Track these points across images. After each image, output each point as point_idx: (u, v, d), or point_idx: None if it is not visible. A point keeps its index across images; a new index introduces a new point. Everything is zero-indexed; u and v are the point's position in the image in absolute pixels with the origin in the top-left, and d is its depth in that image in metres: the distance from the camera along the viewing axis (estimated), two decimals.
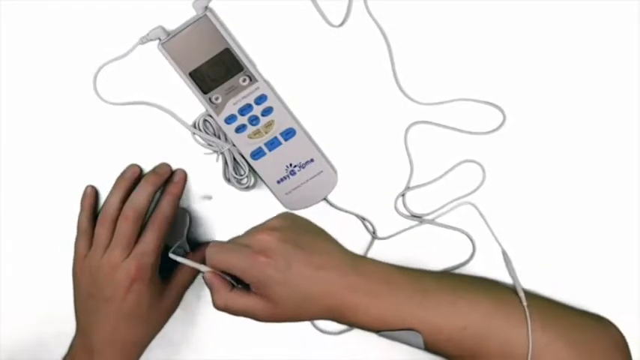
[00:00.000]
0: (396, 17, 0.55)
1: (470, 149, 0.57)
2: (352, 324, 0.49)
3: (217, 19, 0.51)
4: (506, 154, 0.57)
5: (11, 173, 0.60)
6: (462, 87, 0.56)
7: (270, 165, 0.55)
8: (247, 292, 0.47)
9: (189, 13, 0.52)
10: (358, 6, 0.55)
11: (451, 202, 0.57)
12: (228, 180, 0.57)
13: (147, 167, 0.58)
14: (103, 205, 0.55)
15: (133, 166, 0.57)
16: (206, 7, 0.50)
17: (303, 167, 0.55)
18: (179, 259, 0.51)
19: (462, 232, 0.57)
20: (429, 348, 0.49)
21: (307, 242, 0.48)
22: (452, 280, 0.54)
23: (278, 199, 0.57)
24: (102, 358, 0.53)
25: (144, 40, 0.53)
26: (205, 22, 0.50)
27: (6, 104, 0.58)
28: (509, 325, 0.49)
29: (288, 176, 0.56)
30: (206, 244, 0.54)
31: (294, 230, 0.48)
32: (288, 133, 0.54)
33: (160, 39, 0.52)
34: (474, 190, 0.57)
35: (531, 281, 0.56)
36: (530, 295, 0.53)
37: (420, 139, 0.57)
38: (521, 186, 0.57)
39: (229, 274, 0.48)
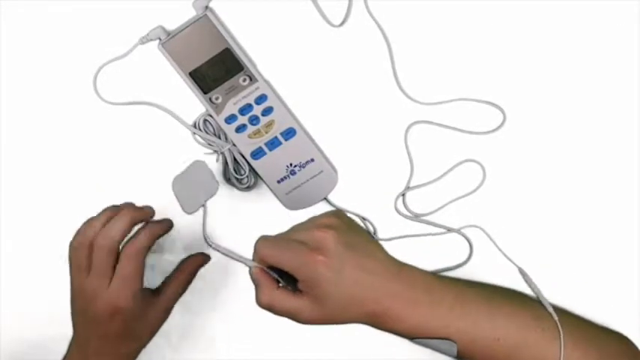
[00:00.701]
0: (396, 17, 0.55)
1: (470, 149, 0.57)
2: (388, 330, 0.49)
3: (217, 18, 0.51)
4: (506, 154, 0.57)
5: (11, 173, 0.60)
6: (462, 87, 0.56)
7: (271, 165, 0.55)
8: (293, 292, 0.47)
9: (189, 12, 0.52)
10: (358, 6, 0.55)
11: (452, 202, 0.57)
12: (228, 180, 0.57)
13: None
14: (84, 225, 0.52)
15: (128, 205, 0.54)
16: (206, 7, 0.50)
17: (304, 167, 0.55)
18: (222, 249, 0.51)
19: (460, 233, 0.57)
20: (460, 356, 0.50)
21: (359, 245, 0.48)
22: (488, 290, 0.54)
23: (278, 198, 0.57)
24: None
25: (144, 40, 0.53)
26: (205, 22, 0.50)
27: (6, 104, 0.58)
28: (544, 341, 0.49)
29: (288, 176, 0.56)
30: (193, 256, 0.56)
31: (347, 231, 0.48)
32: (289, 133, 0.54)
33: (160, 39, 0.52)
34: (474, 190, 0.57)
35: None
36: (557, 309, 0.53)
37: (421, 139, 0.57)
38: (521, 186, 0.57)
39: (274, 270, 0.47)
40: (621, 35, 0.54)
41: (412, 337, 0.49)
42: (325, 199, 0.58)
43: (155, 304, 0.54)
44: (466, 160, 0.57)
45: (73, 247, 0.52)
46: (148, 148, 0.58)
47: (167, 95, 0.57)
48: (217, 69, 0.52)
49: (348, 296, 0.47)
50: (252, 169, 0.56)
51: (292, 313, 0.47)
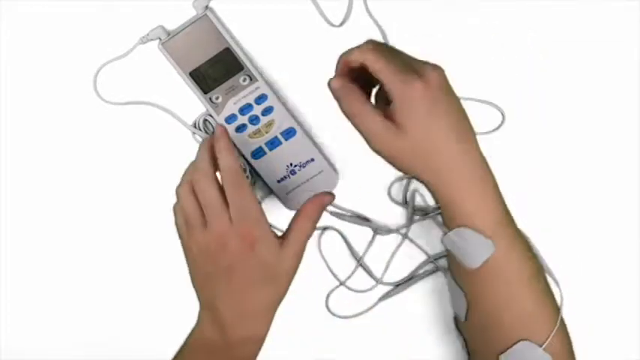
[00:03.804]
0: (396, 17, 0.56)
1: None
2: (440, 199, 0.47)
3: (217, 18, 0.51)
4: (505, 154, 0.57)
5: (10, 173, 0.60)
6: (462, 87, 0.56)
7: (271, 164, 0.55)
8: (380, 111, 0.45)
9: (189, 12, 0.52)
10: (358, 6, 0.55)
11: None
12: None
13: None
14: (177, 189, 0.50)
15: (202, 142, 0.51)
16: (206, 7, 0.50)
17: (304, 167, 0.55)
18: None
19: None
20: (475, 274, 0.48)
21: (459, 109, 0.47)
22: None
23: (278, 198, 0.57)
24: (235, 332, 0.49)
25: (144, 40, 0.53)
26: (205, 22, 0.50)
27: (5, 103, 0.58)
28: (549, 296, 0.48)
29: (288, 176, 0.56)
30: None
31: (451, 86, 0.47)
32: (289, 133, 0.54)
33: (160, 39, 0.52)
34: None
35: None
36: None
37: None
38: (520, 186, 0.57)
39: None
40: (621, 35, 0.55)
41: (459, 224, 0.47)
42: None
43: (286, 247, 0.50)
44: None
45: (179, 209, 0.49)
46: (148, 148, 0.58)
47: (167, 95, 0.57)
48: (217, 69, 0.52)
49: (436, 142, 0.45)
50: (252, 169, 0.56)
51: (372, 134, 0.45)
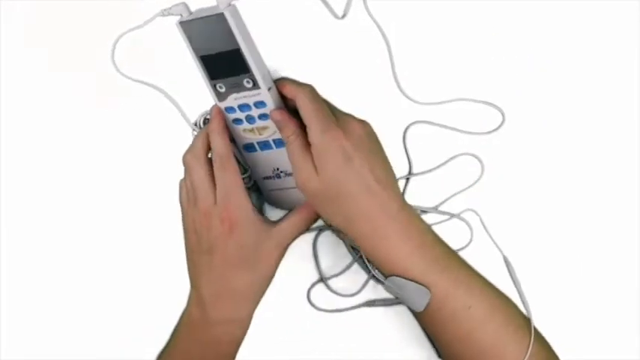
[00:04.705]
0: (395, 16, 0.55)
1: (469, 149, 0.57)
2: (368, 253, 0.49)
3: (236, 18, 0.50)
4: (505, 154, 0.57)
5: (10, 172, 0.60)
6: (462, 87, 0.56)
7: (259, 162, 0.55)
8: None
9: None
10: (358, 5, 0.55)
11: (451, 196, 0.58)
12: None
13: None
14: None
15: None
16: (229, 4, 0.49)
17: (289, 175, 0.55)
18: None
19: (460, 218, 0.58)
20: (425, 315, 0.49)
21: (379, 158, 0.49)
22: (475, 270, 0.52)
23: (263, 193, 0.57)
24: (213, 311, 0.51)
25: (165, 13, 0.52)
26: (221, 19, 0.49)
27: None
28: (510, 329, 0.49)
29: (273, 177, 0.56)
30: None
31: (375, 141, 0.50)
32: (281, 143, 0.54)
33: (181, 15, 0.51)
34: (471, 185, 0.57)
35: (529, 281, 0.56)
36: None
37: (419, 139, 0.57)
38: (520, 186, 0.57)
39: None
40: (621, 35, 0.55)
41: (389, 272, 0.48)
42: None
43: (269, 235, 0.51)
44: (464, 154, 0.57)
45: (182, 185, 0.53)
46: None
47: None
48: (225, 64, 0.51)
49: (346, 189, 0.47)
50: (242, 158, 0.56)
51: (298, 169, 0.48)
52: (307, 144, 0.48)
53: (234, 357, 0.54)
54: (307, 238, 0.59)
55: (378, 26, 0.55)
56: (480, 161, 0.57)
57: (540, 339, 0.51)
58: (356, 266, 0.59)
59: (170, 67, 0.57)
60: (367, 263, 0.53)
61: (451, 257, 0.50)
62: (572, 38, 0.55)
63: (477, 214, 0.57)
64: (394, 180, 0.50)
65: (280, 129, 0.49)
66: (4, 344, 0.62)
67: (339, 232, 0.57)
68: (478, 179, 0.57)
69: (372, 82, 0.56)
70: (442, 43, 0.55)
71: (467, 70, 0.56)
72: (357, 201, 0.47)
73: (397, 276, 0.48)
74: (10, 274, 0.62)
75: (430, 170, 0.57)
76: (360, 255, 0.56)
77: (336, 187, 0.47)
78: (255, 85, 0.51)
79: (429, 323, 0.51)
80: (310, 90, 0.49)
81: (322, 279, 0.59)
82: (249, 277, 0.51)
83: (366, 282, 0.58)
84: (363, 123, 0.49)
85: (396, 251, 0.48)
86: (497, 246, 0.56)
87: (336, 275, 0.59)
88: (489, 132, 0.56)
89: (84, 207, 0.61)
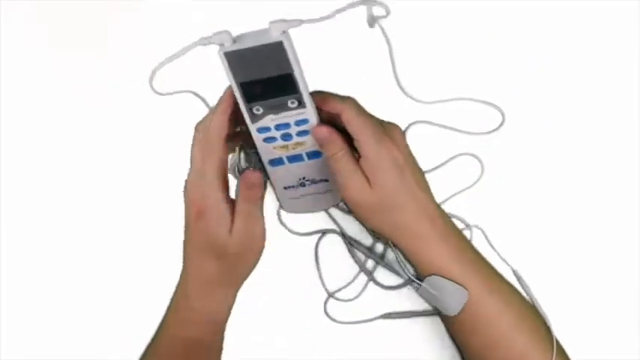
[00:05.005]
0: (396, 16, 0.55)
1: (469, 149, 0.57)
2: (409, 254, 0.49)
3: (291, 44, 0.48)
4: (505, 154, 0.57)
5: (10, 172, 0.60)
6: (462, 87, 0.56)
7: (284, 174, 0.54)
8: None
9: (255, 17, 0.46)
10: (357, 5, 0.55)
11: (451, 196, 0.57)
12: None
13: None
14: None
15: None
16: (283, 32, 0.48)
17: (315, 183, 0.54)
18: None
19: (460, 218, 0.58)
20: (457, 320, 0.50)
21: (415, 167, 0.50)
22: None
23: (278, 199, 0.56)
24: (189, 296, 0.51)
25: (205, 42, 0.49)
26: (276, 47, 0.48)
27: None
28: (539, 336, 0.50)
29: (297, 186, 0.55)
30: None
31: (409, 149, 0.50)
32: (315, 155, 0.53)
33: (223, 45, 0.48)
34: (471, 186, 0.57)
35: (529, 281, 0.56)
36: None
37: (420, 139, 0.57)
38: (520, 186, 0.57)
39: None
40: (621, 35, 0.55)
41: (428, 272, 0.49)
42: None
43: (234, 221, 0.49)
44: (463, 154, 0.57)
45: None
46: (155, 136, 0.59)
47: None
48: (271, 87, 0.49)
49: (399, 200, 0.48)
50: (264, 171, 0.55)
51: (348, 183, 0.48)
52: (355, 157, 0.48)
53: (220, 343, 0.54)
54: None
55: (379, 25, 0.55)
56: (480, 161, 0.57)
57: (562, 353, 0.52)
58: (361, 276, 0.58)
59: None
60: (402, 267, 0.54)
61: (483, 262, 0.51)
62: (572, 38, 0.55)
63: (479, 229, 0.57)
64: (428, 183, 0.51)
65: (324, 145, 0.48)
66: (4, 344, 0.62)
67: (375, 235, 0.59)
68: (478, 179, 0.57)
69: (373, 81, 0.56)
70: (443, 43, 0.55)
71: (467, 70, 0.56)
72: (407, 209, 0.48)
73: (438, 275, 0.49)
74: (10, 274, 0.61)
75: (430, 170, 0.57)
76: (384, 259, 0.57)
77: (390, 198, 0.48)
78: (301, 105, 0.49)
79: (459, 329, 0.52)
80: (354, 103, 0.48)
81: (329, 294, 0.59)
82: (219, 267, 0.50)
83: (404, 285, 0.59)
84: (400, 129, 0.50)
85: (438, 251, 0.49)
86: (500, 256, 0.56)
87: (345, 287, 0.59)
88: (489, 132, 0.56)
89: (84, 207, 0.61)
